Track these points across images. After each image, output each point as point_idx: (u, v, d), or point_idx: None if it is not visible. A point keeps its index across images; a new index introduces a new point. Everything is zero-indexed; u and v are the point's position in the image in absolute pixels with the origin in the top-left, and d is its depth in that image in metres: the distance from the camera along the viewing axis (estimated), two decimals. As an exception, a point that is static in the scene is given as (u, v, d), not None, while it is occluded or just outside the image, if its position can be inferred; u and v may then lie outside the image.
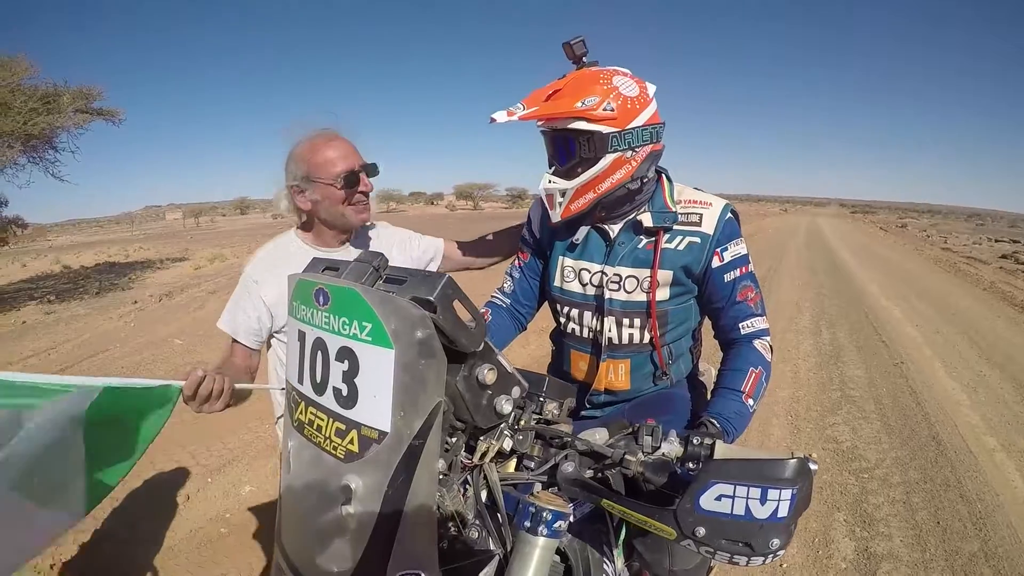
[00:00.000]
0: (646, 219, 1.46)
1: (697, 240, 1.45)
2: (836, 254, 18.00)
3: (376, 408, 0.79)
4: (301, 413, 0.92)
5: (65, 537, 2.70)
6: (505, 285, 1.79)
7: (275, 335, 1.69)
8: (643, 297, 1.48)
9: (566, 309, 1.62)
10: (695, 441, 0.92)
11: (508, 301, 1.78)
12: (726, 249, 1.46)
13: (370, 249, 1.86)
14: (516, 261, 1.79)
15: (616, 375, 1.57)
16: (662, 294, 1.48)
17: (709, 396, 1.56)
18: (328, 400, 0.85)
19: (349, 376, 0.82)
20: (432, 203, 71.39)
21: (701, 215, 1.46)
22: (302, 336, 0.92)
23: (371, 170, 1.65)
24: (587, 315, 1.57)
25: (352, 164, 1.59)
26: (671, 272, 1.46)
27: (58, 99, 10.21)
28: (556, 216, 1.48)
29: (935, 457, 3.76)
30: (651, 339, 1.52)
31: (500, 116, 1.34)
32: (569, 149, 1.39)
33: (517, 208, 49.29)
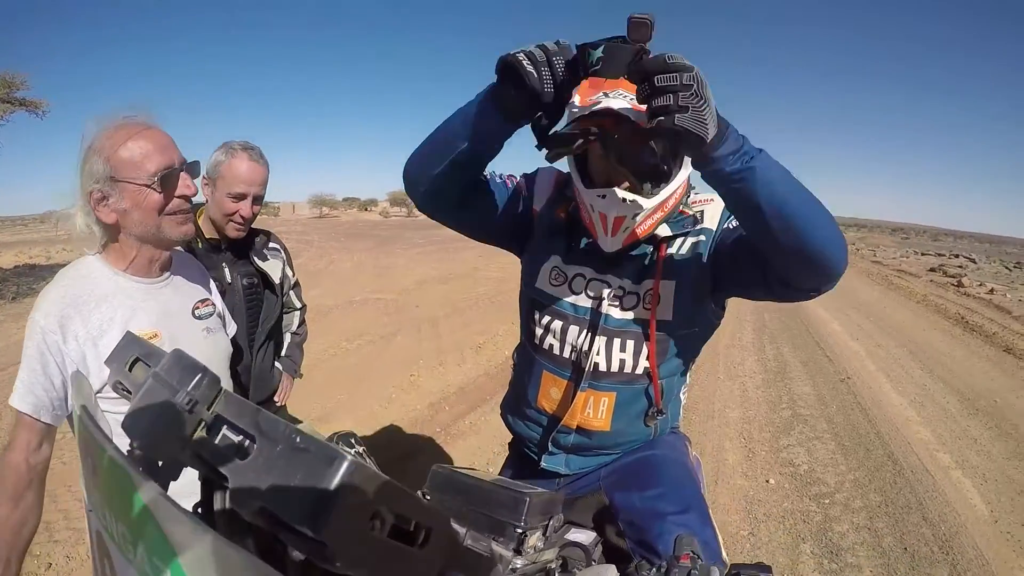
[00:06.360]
0: (662, 229, 1.25)
1: (702, 238, 1.26)
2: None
3: None
4: None
5: None
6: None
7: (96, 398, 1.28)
8: (642, 315, 1.26)
9: (546, 319, 1.34)
10: None
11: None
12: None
13: (196, 283, 1.44)
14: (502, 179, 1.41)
15: (595, 411, 1.31)
16: (663, 313, 1.25)
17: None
18: None
19: None
20: (366, 209, 70.02)
21: (703, 211, 1.28)
22: (104, 551, 0.49)
23: (194, 169, 1.31)
24: (573, 331, 1.30)
25: (171, 159, 1.23)
26: (674, 283, 1.25)
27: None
28: (616, 243, 1.20)
29: (893, 478, 3.78)
30: (646, 369, 1.28)
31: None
32: (659, 159, 1.15)
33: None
